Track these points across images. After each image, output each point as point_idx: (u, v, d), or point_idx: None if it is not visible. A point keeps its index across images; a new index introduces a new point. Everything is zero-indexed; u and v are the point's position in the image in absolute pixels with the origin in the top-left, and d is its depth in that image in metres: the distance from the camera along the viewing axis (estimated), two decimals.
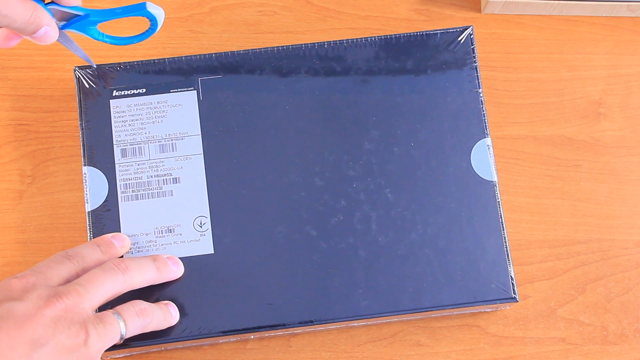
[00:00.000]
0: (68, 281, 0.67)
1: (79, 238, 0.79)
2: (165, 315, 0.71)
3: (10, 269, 0.79)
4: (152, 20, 0.70)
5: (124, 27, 0.81)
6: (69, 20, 0.69)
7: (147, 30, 0.72)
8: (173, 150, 0.76)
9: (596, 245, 0.82)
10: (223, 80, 0.77)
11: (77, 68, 0.77)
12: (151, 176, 0.75)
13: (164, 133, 0.76)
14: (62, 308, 0.62)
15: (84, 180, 0.75)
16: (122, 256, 0.73)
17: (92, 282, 0.66)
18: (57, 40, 0.69)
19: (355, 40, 0.79)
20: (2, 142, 0.82)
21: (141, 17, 0.70)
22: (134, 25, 0.75)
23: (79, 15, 0.69)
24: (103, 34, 0.71)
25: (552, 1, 0.85)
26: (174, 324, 0.72)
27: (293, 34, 0.87)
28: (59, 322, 0.62)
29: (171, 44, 0.86)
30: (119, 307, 0.68)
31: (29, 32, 0.66)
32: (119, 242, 0.72)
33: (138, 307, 0.69)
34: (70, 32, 0.71)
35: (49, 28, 0.67)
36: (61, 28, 0.69)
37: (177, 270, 0.73)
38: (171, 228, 0.74)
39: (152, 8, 0.69)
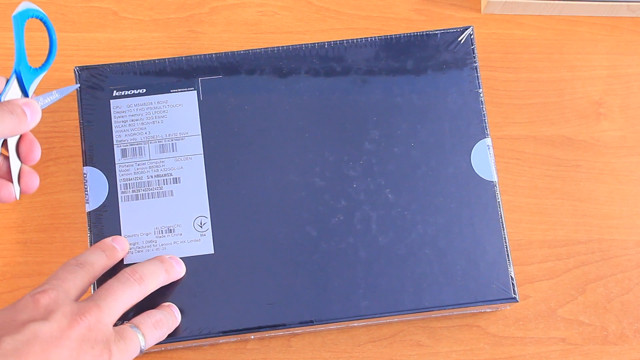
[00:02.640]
0: (84, 291, 0.67)
1: (79, 238, 0.79)
2: (173, 319, 0.71)
3: (10, 269, 0.79)
4: (42, 18, 0.69)
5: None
6: (23, 91, 0.68)
7: (49, 34, 0.70)
8: (173, 150, 0.76)
9: (596, 245, 0.82)
10: (223, 80, 0.77)
11: (77, 68, 0.77)
12: (151, 176, 0.75)
13: (164, 133, 0.76)
14: (85, 326, 0.62)
15: (84, 180, 0.75)
16: (122, 259, 0.73)
17: (110, 295, 0.65)
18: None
19: (355, 41, 0.79)
20: None
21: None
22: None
23: (18, 78, 0.68)
24: (36, 69, 0.69)
25: (552, 1, 0.85)
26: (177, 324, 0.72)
27: (293, 34, 0.87)
28: (83, 343, 0.61)
29: (171, 44, 0.86)
30: (136, 321, 0.68)
31: (23, 127, 0.66)
32: (119, 245, 0.72)
33: (154, 319, 0.69)
34: (33, 93, 0.69)
35: (30, 107, 0.66)
36: (27, 96, 0.68)
37: (180, 271, 0.73)
38: (171, 228, 0.74)
39: (22, 7, 0.67)
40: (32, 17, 0.68)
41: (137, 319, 0.68)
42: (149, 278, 0.69)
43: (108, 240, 0.72)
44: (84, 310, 0.63)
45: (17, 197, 0.68)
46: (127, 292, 0.67)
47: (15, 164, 0.68)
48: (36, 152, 0.69)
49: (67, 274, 0.66)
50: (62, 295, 0.63)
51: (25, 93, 0.68)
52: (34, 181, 0.69)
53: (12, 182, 0.68)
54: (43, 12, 0.69)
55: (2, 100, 0.66)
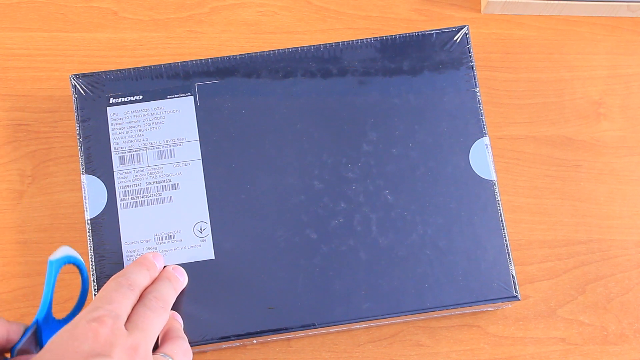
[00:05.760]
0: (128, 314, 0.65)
1: (79, 238, 0.80)
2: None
3: (10, 269, 0.79)
4: (79, 265, 0.67)
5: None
6: (40, 344, 0.65)
7: (82, 285, 0.68)
8: (171, 157, 0.75)
9: (596, 245, 0.82)
10: (220, 85, 0.77)
11: (73, 76, 0.77)
12: (150, 183, 0.75)
13: (161, 139, 0.76)
14: None
15: (83, 189, 0.75)
16: None
17: (148, 325, 0.64)
18: None
19: (351, 42, 0.79)
20: (2, 142, 0.82)
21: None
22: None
23: (39, 327, 0.64)
24: (59, 321, 0.66)
25: (552, 1, 0.85)
26: None
27: (293, 34, 0.86)
28: None
29: (171, 44, 0.86)
30: (168, 350, 0.66)
31: None
32: (159, 262, 0.72)
33: (183, 348, 0.67)
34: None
35: None
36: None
37: (184, 281, 0.73)
38: (171, 234, 0.74)
39: (61, 252, 0.65)
40: (69, 263, 0.66)
41: (169, 348, 0.67)
42: (169, 303, 0.68)
43: (149, 256, 0.71)
44: (136, 344, 0.61)
45: None
46: (159, 321, 0.66)
47: None
48: None
49: (120, 298, 0.64)
50: (118, 324, 0.62)
51: (41, 346, 0.64)
52: None
53: None
54: (81, 259, 0.67)
55: (15, 353, 0.63)
